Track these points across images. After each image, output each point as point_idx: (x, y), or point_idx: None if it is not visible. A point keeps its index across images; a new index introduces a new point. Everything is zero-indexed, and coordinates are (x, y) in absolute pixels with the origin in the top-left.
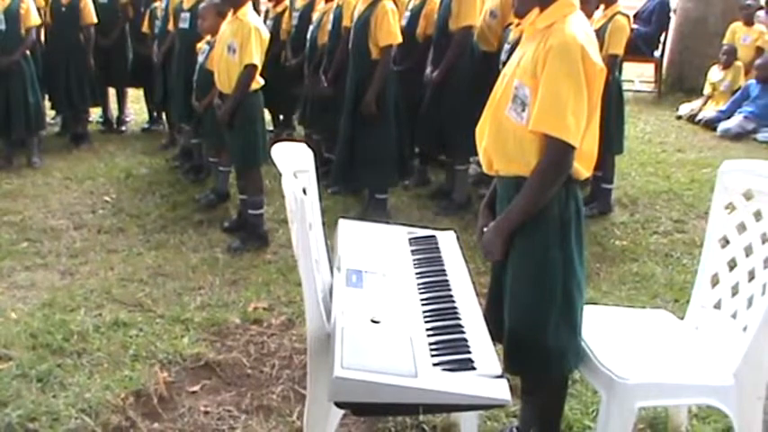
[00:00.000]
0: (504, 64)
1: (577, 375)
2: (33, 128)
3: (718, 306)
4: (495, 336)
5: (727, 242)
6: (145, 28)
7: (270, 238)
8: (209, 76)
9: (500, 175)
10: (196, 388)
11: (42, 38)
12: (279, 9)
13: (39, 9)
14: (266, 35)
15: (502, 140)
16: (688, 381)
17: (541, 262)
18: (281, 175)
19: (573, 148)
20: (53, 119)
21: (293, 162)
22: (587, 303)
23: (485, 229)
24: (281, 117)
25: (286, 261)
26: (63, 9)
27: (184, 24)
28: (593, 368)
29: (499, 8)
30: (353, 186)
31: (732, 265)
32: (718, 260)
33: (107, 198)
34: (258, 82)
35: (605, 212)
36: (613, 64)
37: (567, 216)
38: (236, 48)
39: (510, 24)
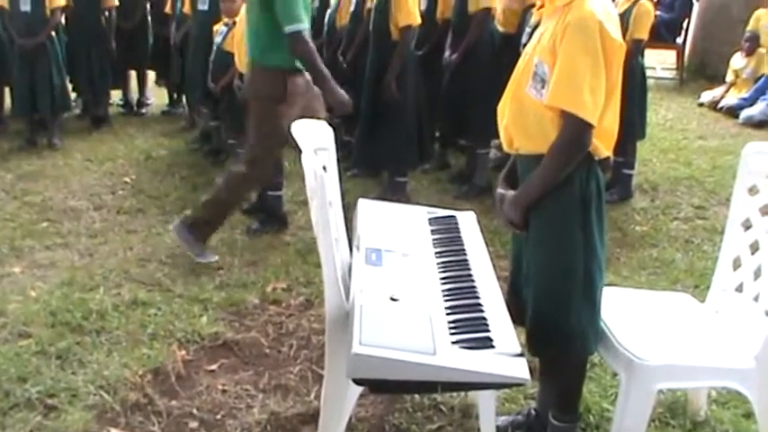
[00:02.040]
0: (525, 46)
1: (596, 359)
2: (58, 109)
3: (739, 289)
4: (517, 319)
5: (750, 225)
6: (168, 9)
7: (289, 220)
8: (226, 57)
9: (520, 153)
10: (214, 367)
11: (64, 20)
12: None
13: None
14: None
15: (522, 118)
16: (709, 363)
17: (562, 242)
18: (300, 154)
19: (590, 126)
20: (74, 101)
21: (314, 139)
22: (607, 287)
23: (504, 200)
24: None
25: (305, 242)
26: None
27: (203, 6)
28: (613, 349)
29: None
30: (373, 169)
31: (755, 248)
32: (741, 243)
33: (127, 179)
34: None
35: (626, 198)
36: (637, 49)
37: (589, 196)
38: None
39: (531, 7)
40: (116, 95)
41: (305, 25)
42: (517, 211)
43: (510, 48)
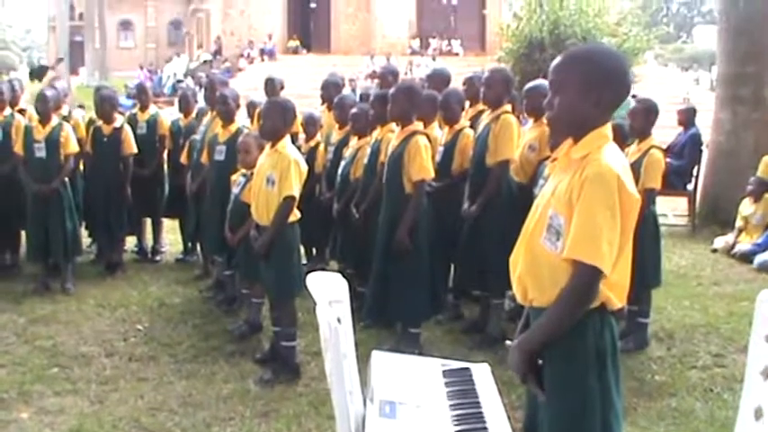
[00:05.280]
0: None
1: None
2: (71, 253)
3: None
4: None
5: None
6: (183, 159)
7: (302, 371)
8: (244, 207)
9: (534, 306)
10: None
11: (82, 167)
12: (312, 143)
13: (80, 139)
14: (305, 168)
15: (536, 269)
16: None
17: (579, 394)
18: (315, 306)
19: (602, 274)
20: (89, 246)
21: (328, 292)
22: None
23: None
24: (315, 250)
25: (318, 394)
26: (105, 139)
27: (220, 157)
28: None
29: (538, 141)
30: (386, 320)
31: None
32: (761, 392)
33: (139, 326)
34: (296, 214)
35: (641, 347)
36: (650, 198)
37: (603, 346)
38: (275, 180)
39: (547, 158)
40: (131, 242)
41: None
42: (520, 356)
43: (524, 198)
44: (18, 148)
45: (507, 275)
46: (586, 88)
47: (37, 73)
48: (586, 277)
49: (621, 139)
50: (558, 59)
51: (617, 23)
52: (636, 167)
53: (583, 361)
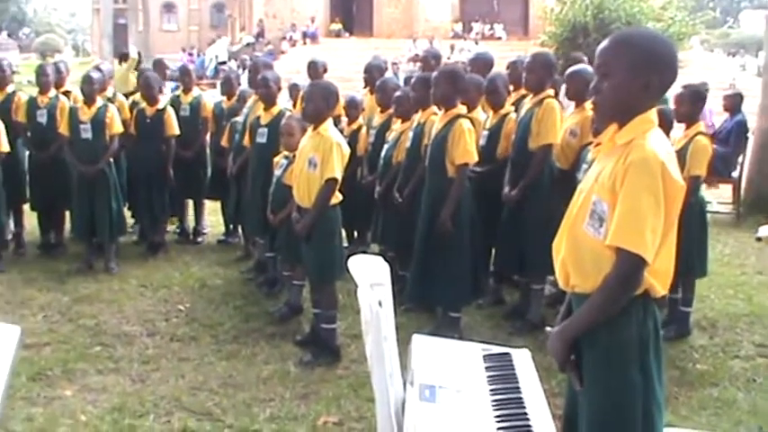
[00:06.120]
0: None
1: None
2: (115, 234)
3: None
4: None
5: None
6: (224, 142)
7: (342, 353)
8: (285, 190)
9: (576, 292)
10: None
11: (125, 148)
12: (354, 126)
13: (124, 121)
14: (347, 150)
15: (579, 255)
16: None
17: (620, 382)
18: (355, 289)
19: (645, 263)
20: (131, 227)
21: (370, 275)
22: (666, 428)
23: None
24: (356, 233)
25: (357, 376)
26: (147, 120)
27: (261, 139)
28: None
29: (579, 127)
30: (427, 304)
31: None
32: None
33: (181, 307)
34: (337, 197)
35: (683, 335)
36: (695, 185)
37: (646, 335)
38: (318, 162)
39: (588, 144)
40: (173, 223)
41: None
42: (560, 343)
43: (566, 183)
44: (63, 129)
45: (547, 260)
46: (634, 72)
47: (122, 57)
48: (629, 265)
49: (667, 124)
50: (604, 43)
51: (662, 8)
52: (682, 154)
53: (625, 349)
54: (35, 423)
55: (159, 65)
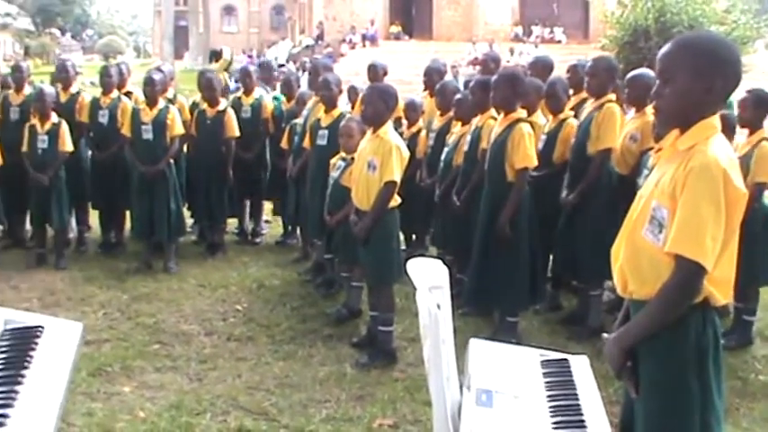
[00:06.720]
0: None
1: None
2: (174, 234)
3: None
4: None
5: None
6: (284, 143)
7: (398, 356)
8: (342, 191)
9: (634, 298)
10: None
11: (186, 148)
12: (413, 129)
13: (184, 122)
14: (406, 153)
15: (637, 262)
16: None
17: (677, 392)
18: (413, 291)
19: (705, 270)
20: (191, 227)
21: (429, 278)
22: None
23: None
24: (414, 236)
25: (414, 379)
26: (208, 122)
27: (322, 141)
28: None
29: (640, 132)
30: (484, 308)
31: None
32: None
33: (238, 307)
34: (396, 199)
35: (745, 344)
36: (759, 192)
37: (705, 343)
38: (377, 165)
39: (649, 149)
40: (231, 224)
41: None
42: (617, 350)
43: (625, 189)
44: (125, 129)
45: (604, 266)
46: (697, 76)
47: (215, 56)
48: (688, 273)
49: (729, 130)
50: (666, 47)
51: (726, 11)
52: (745, 160)
53: (682, 358)
54: (94, 418)
55: (266, 66)
